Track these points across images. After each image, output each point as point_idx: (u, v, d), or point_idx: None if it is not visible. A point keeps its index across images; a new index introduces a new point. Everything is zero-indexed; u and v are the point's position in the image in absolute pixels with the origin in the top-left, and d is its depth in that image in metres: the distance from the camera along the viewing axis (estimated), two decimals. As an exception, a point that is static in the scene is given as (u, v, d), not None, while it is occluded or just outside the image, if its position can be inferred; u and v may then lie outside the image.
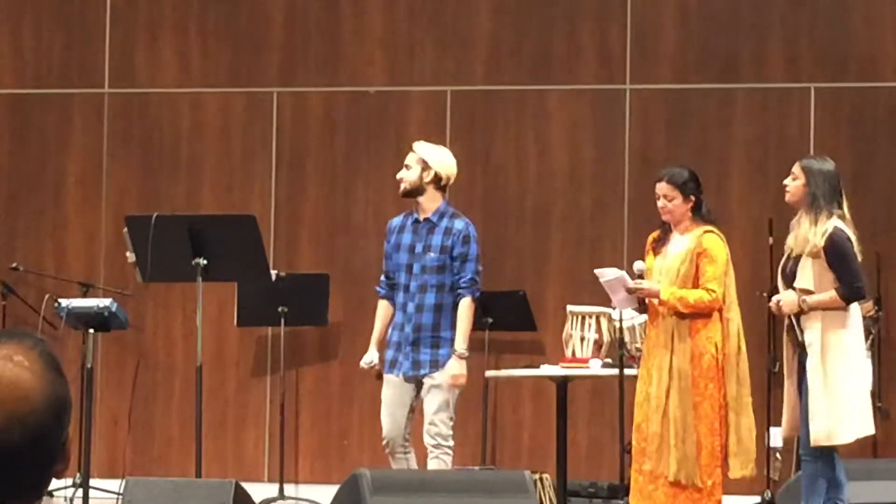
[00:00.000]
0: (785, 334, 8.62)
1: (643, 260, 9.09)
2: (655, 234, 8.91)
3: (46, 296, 10.98)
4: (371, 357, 9.20)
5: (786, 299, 8.43)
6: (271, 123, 12.48)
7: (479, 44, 12.38)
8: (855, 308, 8.55)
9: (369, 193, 12.34)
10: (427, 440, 9.00)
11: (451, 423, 9.05)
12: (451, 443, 9.06)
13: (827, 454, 8.42)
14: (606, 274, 9.18)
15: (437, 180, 9.07)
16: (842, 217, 8.39)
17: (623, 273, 9.03)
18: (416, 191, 9.10)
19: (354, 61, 12.48)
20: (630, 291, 8.76)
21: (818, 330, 8.44)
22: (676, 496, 8.88)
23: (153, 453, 12.17)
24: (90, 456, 9.14)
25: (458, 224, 9.08)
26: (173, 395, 12.22)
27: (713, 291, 8.56)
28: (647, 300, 8.75)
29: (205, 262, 8.87)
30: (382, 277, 9.33)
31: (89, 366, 8.54)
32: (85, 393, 8.56)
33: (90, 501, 8.79)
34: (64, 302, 9.54)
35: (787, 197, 8.55)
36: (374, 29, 12.48)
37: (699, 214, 8.66)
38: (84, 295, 11.25)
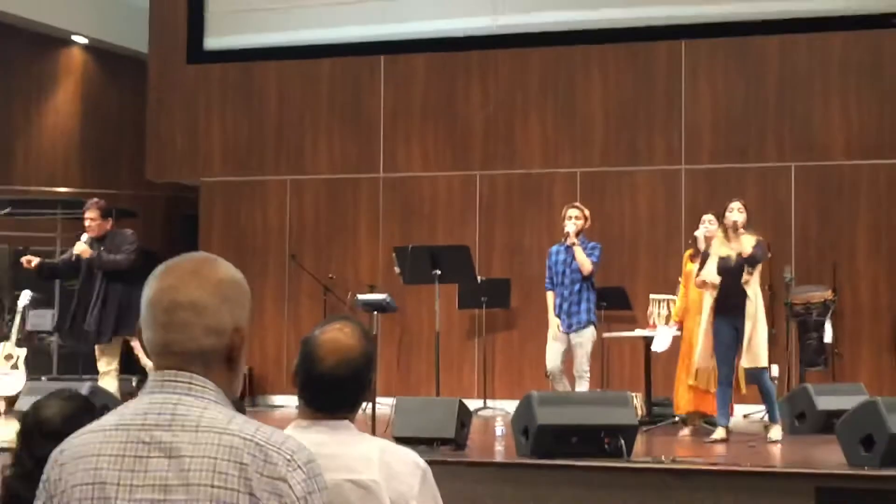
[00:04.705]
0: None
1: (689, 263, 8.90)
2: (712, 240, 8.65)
3: (349, 293, 11.56)
4: (555, 325, 9.15)
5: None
6: (475, 193, 12.59)
7: (596, 141, 12.35)
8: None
9: (532, 231, 12.36)
10: (576, 372, 9.12)
11: (589, 361, 9.19)
12: (589, 374, 9.21)
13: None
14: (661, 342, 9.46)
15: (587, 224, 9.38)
16: None
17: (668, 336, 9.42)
18: (580, 232, 9.21)
19: (522, 153, 12.53)
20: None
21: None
22: (705, 398, 9.19)
23: (411, 382, 12.28)
24: (376, 384, 8.83)
25: (591, 242, 9.31)
26: (422, 349, 12.35)
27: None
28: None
29: (439, 272, 8.93)
30: (547, 280, 9.33)
31: (375, 334, 8.36)
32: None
33: (376, 410, 8.51)
34: (360, 296, 9.77)
35: (738, 222, 8.48)
36: (532, 134, 12.49)
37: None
38: (371, 292, 11.17)
